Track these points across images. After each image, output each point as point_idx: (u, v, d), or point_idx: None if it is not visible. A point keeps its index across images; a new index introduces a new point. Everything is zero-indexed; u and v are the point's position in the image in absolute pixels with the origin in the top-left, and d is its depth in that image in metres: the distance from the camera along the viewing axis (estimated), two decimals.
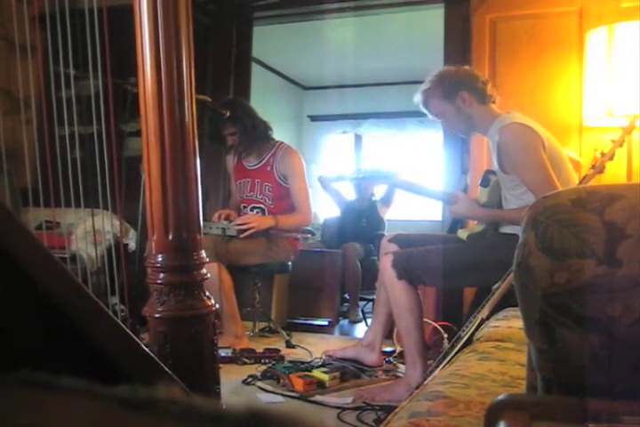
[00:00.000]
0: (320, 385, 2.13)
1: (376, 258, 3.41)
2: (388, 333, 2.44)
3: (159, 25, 1.06)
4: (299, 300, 3.52)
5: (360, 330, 3.61)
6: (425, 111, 2.21)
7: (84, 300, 0.72)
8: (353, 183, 4.37)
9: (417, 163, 6.32)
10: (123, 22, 1.38)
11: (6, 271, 0.66)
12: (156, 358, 0.85)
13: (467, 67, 2.21)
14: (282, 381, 2.16)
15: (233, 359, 2.47)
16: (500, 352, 1.34)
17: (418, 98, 2.18)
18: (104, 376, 0.70)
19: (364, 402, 1.98)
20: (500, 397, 0.50)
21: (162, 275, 1.10)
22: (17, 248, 0.67)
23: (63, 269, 0.72)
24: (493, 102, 2.16)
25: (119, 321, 0.77)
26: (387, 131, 6.54)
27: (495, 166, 2.13)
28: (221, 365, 1.25)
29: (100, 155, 1.89)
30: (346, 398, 2.03)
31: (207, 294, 1.14)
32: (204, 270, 1.14)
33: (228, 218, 2.85)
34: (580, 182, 2.02)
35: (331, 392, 2.10)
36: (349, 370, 2.27)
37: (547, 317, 0.54)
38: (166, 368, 0.86)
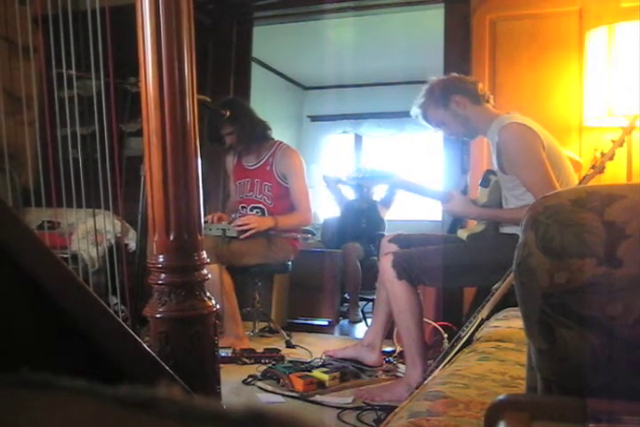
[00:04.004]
0: (320, 385, 2.13)
1: (376, 258, 3.41)
2: (388, 333, 2.44)
3: (161, 25, 1.06)
4: (299, 300, 3.53)
5: (360, 330, 3.61)
6: (426, 124, 2.24)
7: (85, 300, 0.72)
8: (353, 183, 4.38)
9: (417, 163, 6.32)
10: (123, 22, 1.38)
11: (9, 272, 0.66)
12: (157, 358, 0.85)
13: (454, 73, 2.24)
14: (282, 381, 2.16)
15: (233, 359, 2.47)
16: (499, 352, 1.34)
17: (416, 112, 2.22)
18: (105, 376, 0.70)
19: (364, 402, 1.98)
20: (500, 397, 0.50)
21: (163, 275, 1.10)
22: (20, 249, 0.67)
23: (65, 269, 0.72)
24: (488, 101, 2.18)
25: (120, 321, 0.77)
26: (387, 131, 6.54)
27: (495, 167, 2.14)
28: (221, 365, 1.25)
29: (101, 155, 1.89)
30: (346, 398, 2.03)
31: (208, 294, 1.14)
32: (205, 271, 1.14)
33: (220, 221, 2.86)
34: (580, 182, 2.02)
35: (331, 392, 2.10)
36: (349, 370, 2.27)
37: (547, 317, 0.54)
38: (167, 368, 0.86)
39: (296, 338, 2.99)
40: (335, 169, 6.07)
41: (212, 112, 2.77)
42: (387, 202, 4.46)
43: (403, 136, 6.44)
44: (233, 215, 3.07)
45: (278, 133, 3.25)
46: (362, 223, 4.38)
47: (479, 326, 1.78)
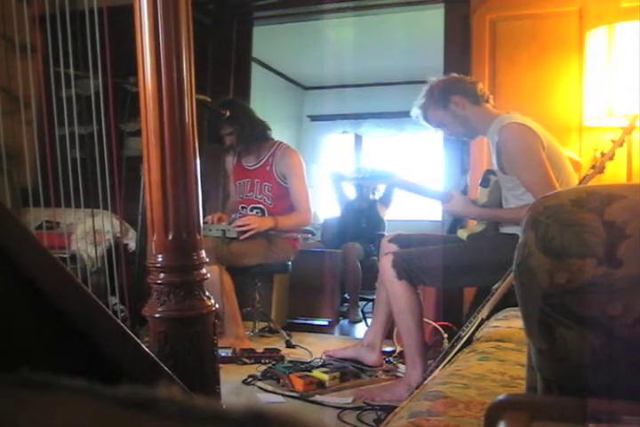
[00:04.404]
0: (320, 385, 2.13)
1: (376, 258, 3.41)
2: (388, 333, 2.44)
3: (159, 24, 1.05)
4: (299, 300, 3.52)
5: (360, 330, 3.61)
6: (426, 125, 2.25)
7: (84, 300, 0.72)
8: (353, 183, 4.39)
9: (417, 163, 6.32)
10: (122, 22, 1.38)
11: (6, 272, 0.66)
12: (156, 358, 0.85)
13: (454, 74, 2.24)
14: (282, 381, 2.16)
15: (233, 359, 2.47)
16: (499, 352, 1.34)
17: (416, 113, 2.23)
18: (104, 376, 0.70)
19: (364, 402, 1.98)
20: (500, 397, 0.50)
21: (162, 275, 1.10)
22: (18, 250, 0.67)
23: (63, 269, 0.72)
24: (487, 101, 2.18)
25: (119, 321, 0.77)
26: (387, 131, 6.54)
27: (495, 166, 2.14)
28: (221, 365, 1.25)
29: (100, 155, 1.89)
30: (346, 398, 2.03)
31: (207, 293, 1.14)
32: (204, 270, 1.14)
33: (220, 221, 2.86)
34: (580, 182, 2.02)
35: (331, 392, 2.10)
36: (349, 370, 2.27)
37: (547, 317, 0.54)
38: (166, 368, 0.86)
39: (296, 338, 2.99)
40: (338, 168, 6.07)
41: (212, 112, 2.78)
42: (385, 201, 4.47)
43: (403, 136, 6.44)
44: (233, 215, 3.07)
45: (278, 133, 3.25)
46: (362, 223, 4.38)
47: (479, 326, 1.78)
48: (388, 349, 2.57)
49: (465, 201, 2.16)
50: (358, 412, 1.89)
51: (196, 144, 1.12)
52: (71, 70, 1.96)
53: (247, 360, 2.48)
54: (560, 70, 2.83)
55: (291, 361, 2.43)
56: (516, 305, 0.70)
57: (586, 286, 0.52)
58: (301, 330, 3.27)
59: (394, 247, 2.23)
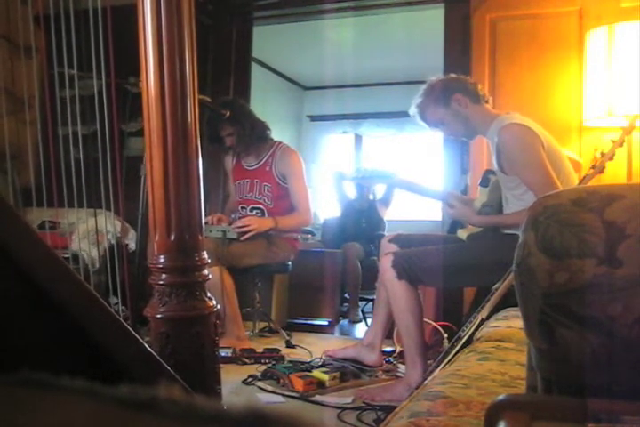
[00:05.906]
0: (320, 385, 2.13)
1: (376, 258, 3.41)
2: (388, 333, 2.44)
3: (162, 25, 1.06)
4: (299, 300, 3.53)
5: (360, 330, 3.61)
6: (423, 124, 2.23)
7: (85, 298, 0.72)
8: (353, 183, 4.40)
9: (417, 163, 6.32)
10: (124, 22, 1.38)
11: (7, 269, 0.66)
12: (158, 358, 0.85)
13: (452, 74, 2.24)
14: (282, 381, 2.16)
15: (233, 359, 2.47)
16: (499, 352, 1.34)
17: (414, 111, 2.21)
18: (105, 376, 0.70)
19: (363, 402, 1.98)
20: (500, 397, 0.50)
21: (164, 275, 1.10)
22: (19, 246, 0.67)
23: (65, 266, 0.72)
24: (487, 102, 2.18)
25: (121, 320, 0.77)
26: (387, 131, 6.54)
27: (495, 167, 2.14)
28: (221, 365, 1.25)
29: (102, 155, 1.89)
30: (346, 398, 2.03)
31: (208, 294, 1.14)
32: (206, 271, 1.14)
33: (219, 222, 2.86)
34: (580, 182, 2.02)
35: (331, 392, 2.10)
36: (349, 370, 2.27)
37: (547, 317, 0.54)
38: (168, 368, 0.86)
39: (296, 338, 2.99)
40: (340, 168, 6.07)
41: (212, 112, 2.77)
42: (385, 200, 4.47)
43: (403, 136, 6.44)
44: (233, 216, 3.07)
45: (278, 133, 3.25)
46: (362, 223, 4.38)
47: (479, 326, 1.78)
48: (388, 349, 2.57)
49: (467, 210, 2.16)
50: (358, 412, 1.89)
51: (199, 144, 1.12)
52: (75, 70, 1.96)
53: (247, 360, 2.48)
54: (560, 70, 2.83)
55: (291, 361, 2.42)
56: (515, 305, 0.70)
57: (586, 286, 0.52)
58: (301, 330, 3.27)
59: (394, 247, 2.23)
